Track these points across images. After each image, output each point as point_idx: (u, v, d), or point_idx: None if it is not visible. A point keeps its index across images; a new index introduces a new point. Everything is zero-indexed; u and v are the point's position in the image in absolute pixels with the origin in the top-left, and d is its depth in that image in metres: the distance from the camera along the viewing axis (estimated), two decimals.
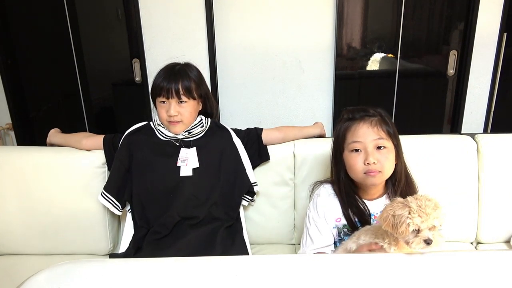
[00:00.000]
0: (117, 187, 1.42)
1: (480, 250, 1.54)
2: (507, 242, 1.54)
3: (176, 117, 1.36)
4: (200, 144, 1.41)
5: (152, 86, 1.39)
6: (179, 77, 1.35)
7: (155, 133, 1.43)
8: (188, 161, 1.37)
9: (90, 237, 1.55)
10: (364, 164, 1.12)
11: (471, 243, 1.58)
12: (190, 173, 1.36)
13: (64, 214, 1.52)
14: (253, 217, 1.55)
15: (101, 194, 1.43)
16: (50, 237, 1.54)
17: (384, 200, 1.20)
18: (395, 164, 1.16)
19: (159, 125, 1.43)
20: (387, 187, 1.21)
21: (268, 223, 1.56)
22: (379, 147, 1.12)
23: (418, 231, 0.92)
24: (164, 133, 1.42)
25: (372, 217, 1.19)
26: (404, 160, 1.21)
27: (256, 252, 1.56)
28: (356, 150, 1.14)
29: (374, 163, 1.10)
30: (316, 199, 1.25)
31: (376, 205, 1.20)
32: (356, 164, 1.13)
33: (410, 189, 1.19)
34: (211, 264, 0.96)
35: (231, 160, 1.44)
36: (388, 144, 1.13)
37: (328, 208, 1.22)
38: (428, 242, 0.91)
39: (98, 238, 1.55)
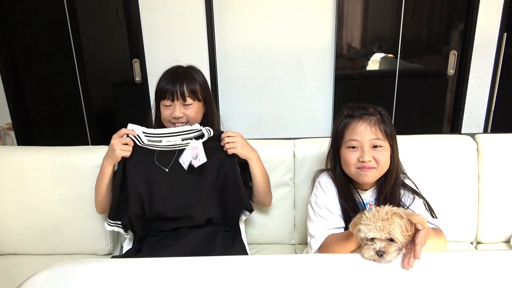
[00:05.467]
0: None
1: (480, 250, 1.54)
2: (507, 242, 1.54)
3: (182, 119, 1.35)
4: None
5: (156, 89, 1.36)
6: (183, 79, 1.33)
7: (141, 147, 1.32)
8: (199, 156, 1.29)
9: (90, 237, 1.55)
10: (359, 161, 1.16)
11: (471, 243, 1.57)
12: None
13: (64, 214, 1.52)
14: (253, 217, 1.54)
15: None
16: (50, 237, 1.54)
17: (372, 191, 1.24)
18: (392, 161, 1.19)
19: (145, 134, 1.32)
20: (378, 180, 1.23)
21: (268, 223, 1.56)
22: (375, 146, 1.16)
23: (373, 240, 0.93)
24: (152, 144, 1.32)
25: (367, 205, 1.23)
26: (398, 161, 1.23)
27: (256, 252, 1.56)
28: (353, 147, 1.17)
29: (369, 161, 1.14)
30: (320, 184, 1.28)
31: (368, 195, 1.24)
32: (350, 159, 1.17)
33: (395, 192, 1.21)
34: (211, 264, 0.96)
35: (229, 173, 1.35)
36: (385, 144, 1.16)
37: (330, 191, 1.25)
38: (379, 253, 0.91)
39: (98, 238, 1.55)
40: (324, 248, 1.17)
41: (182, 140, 1.31)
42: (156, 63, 2.21)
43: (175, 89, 1.31)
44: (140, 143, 1.31)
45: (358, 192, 1.24)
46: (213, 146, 1.36)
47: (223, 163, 1.34)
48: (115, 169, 1.34)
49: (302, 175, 1.53)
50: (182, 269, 0.94)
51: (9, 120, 2.39)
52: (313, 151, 1.51)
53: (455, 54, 2.27)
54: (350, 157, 1.17)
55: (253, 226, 1.56)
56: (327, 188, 1.25)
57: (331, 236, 1.18)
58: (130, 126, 1.30)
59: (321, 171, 1.33)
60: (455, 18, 2.25)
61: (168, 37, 2.17)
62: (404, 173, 1.28)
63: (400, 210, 0.96)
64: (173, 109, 1.34)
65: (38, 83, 2.44)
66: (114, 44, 2.38)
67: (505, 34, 2.16)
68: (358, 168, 1.17)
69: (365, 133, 1.15)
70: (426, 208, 1.21)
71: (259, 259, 1.10)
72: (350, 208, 1.21)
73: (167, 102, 1.34)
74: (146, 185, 1.32)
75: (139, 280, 0.89)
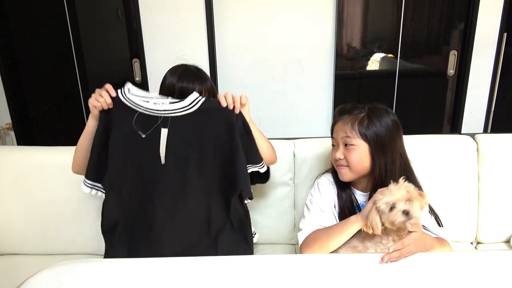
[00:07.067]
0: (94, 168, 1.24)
1: (480, 250, 1.54)
2: (507, 242, 1.54)
3: None
4: (179, 124, 1.18)
5: (176, 87, 1.25)
6: (201, 77, 1.29)
7: (124, 104, 1.18)
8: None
9: (90, 237, 1.54)
10: (335, 158, 1.20)
11: (471, 243, 1.57)
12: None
13: (64, 214, 1.52)
14: (253, 217, 1.54)
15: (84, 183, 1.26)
16: (50, 237, 1.54)
17: (369, 194, 1.23)
18: (374, 162, 1.16)
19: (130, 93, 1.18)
20: (375, 182, 1.21)
21: (268, 223, 1.56)
22: (346, 144, 1.18)
23: (391, 208, 0.99)
24: (137, 103, 1.17)
25: (362, 207, 1.23)
26: (388, 162, 1.18)
27: (256, 252, 1.56)
28: (333, 145, 1.23)
29: (340, 159, 1.18)
30: (318, 185, 1.30)
31: (366, 197, 1.25)
32: (332, 157, 1.23)
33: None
34: (211, 264, 0.96)
35: (224, 143, 1.19)
36: (357, 142, 1.16)
37: (327, 194, 1.27)
38: (406, 212, 0.98)
39: (98, 238, 1.54)
40: (309, 240, 1.17)
41: (170, 104, 1.17)
42: (156, 63, 2.21)
43: (203, 87, 1.26)
44: (124, 98, 1.17)
45: (353, 193, 1.25)
46: (207, 116, 1.18)
47: (217, 130, 1.19)
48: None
49: (302, 175, 1.53)
50: (181, 269, 0.94)
51: (9, 120, 2.39)
52: (313, 151, 1.51)
53: (455, 54, 2.27)
54: (332, 155, 1.23)
55: (253, 226, 1.56)
56: (324, 190, 1.27)
57: (317, 231, 1.18)
58: (129, 86, 1.19)
59: (323, 172, 1.35)
60: (455, 18, 2.25)
61: (168, 37, 2.17)
62: (410, 178, 1.22)
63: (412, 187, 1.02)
64: None
65: (38, 83, 2.44)
66: (114, 44, 2.38)
67: (505, 34, 2.16)
68: (337, 166, 1.21)
69: (338, 131, 1.19)
70: (432, 216, 1.21)
71: (259, 259, 1.10)
72: (347, 208, 1.23)
73: None
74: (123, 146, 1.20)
75: (138, 280, 0.89)
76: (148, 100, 1.17)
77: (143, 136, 1.17)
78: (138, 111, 1.17)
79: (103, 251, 1.56)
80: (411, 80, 2.35)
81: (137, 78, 2.34)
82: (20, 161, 1.52)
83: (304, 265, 0.95)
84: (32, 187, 1.51)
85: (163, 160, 1.18)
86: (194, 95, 1.18)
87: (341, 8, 2.17)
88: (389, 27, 2.27)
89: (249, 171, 1.24)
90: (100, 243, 1.55)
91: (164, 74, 1.36)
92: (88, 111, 1.22)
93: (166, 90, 1.30)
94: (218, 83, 2.25)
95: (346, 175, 1.20)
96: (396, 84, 2.34)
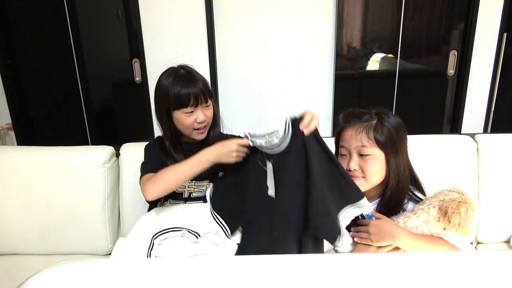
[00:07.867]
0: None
1: (480, 250, 1.54)
2: (507, 242, 1.54)
3: (204, 122, 1.26)
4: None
5: (171, 97, 1.22)
6: (196, 81, 1.25)
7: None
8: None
9: (90, 237, 1.55)
10: (348, 169, 1.13)
11: (471, 243, 1.58)
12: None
13: (64, 214, 1.52)
14: None
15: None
16: (50, 237, 1.54)
17: (377, 203, 1.20)
18: (389, 170, 1.13)
19: None
20: (383, 190, 1.19)
21: None
22: (361, 154, 1.12)
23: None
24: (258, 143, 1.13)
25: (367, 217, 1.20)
26: (401, 172, 1.16)
27: None
28: (343, 154, 1.16)
29: (355, 169, 1.12)
30: None
31: (374, 206, 1.20)
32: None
33: (398, 205, 1.17)
34: (211, 264, 0.96)
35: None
36: (374, 151, 1.11)
37: None
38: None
39: (98, 238, 1.55)
40: None
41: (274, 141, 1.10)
42: (156, 63, 2.21)
43: (198, 94, 1.21)
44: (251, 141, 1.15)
45: None
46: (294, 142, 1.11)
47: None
48: None
49: None
50: (182, 269, 0.94)
51: (9, 120, 2.39)
52: None
53: (455, 54, 2.27)
54: (342, 165, 1.15)
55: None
56: None
57: None
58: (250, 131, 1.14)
59: None
60: (455, 18, 2.25)
61: (168, 37, 2.17)
62: (417, 187, 1.23)
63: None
64: (197, 114, 1.24)
65: (38, 83, 2.44)
66: (114, 44, 2.38)
67: (505, 34, 2.16)
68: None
69: (351, 140, 1.12)
70: None
71: (259, 259, 1.10)
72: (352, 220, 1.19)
73: (189, 109, 1.23)
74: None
75: (139, 280, 0.89)
76: (265, 139, 1.10)
77: (266, 169, 1.13)
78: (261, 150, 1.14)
79: (103, 251, 1.57)
80: (411, 80, 2.35)
81: (137, 78, 2.34)
82: (20, 161, 1.53)
83: (304, 265, 0.95)
84: (32, 187, 1.51)
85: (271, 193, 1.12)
86: (280, 127, 1.08)
87: (341, 8, 2.17)
88: (389, 27, 2.27)
89: (351, 215, 1.04)
90: (100, 243, 1.56)
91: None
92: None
93: (163, 100, 1.26)
94: (218, 83, 2.25)
95: (361, 186, 1.11)
96: (396, 84, 2.34)
